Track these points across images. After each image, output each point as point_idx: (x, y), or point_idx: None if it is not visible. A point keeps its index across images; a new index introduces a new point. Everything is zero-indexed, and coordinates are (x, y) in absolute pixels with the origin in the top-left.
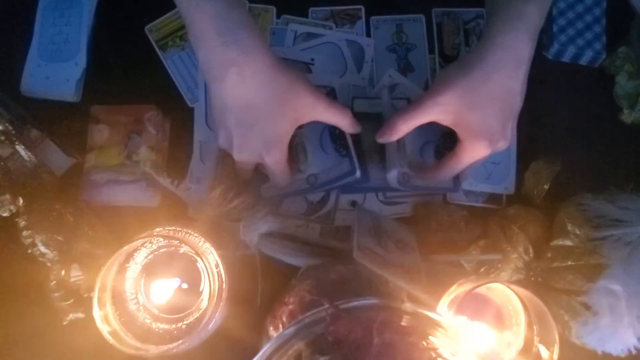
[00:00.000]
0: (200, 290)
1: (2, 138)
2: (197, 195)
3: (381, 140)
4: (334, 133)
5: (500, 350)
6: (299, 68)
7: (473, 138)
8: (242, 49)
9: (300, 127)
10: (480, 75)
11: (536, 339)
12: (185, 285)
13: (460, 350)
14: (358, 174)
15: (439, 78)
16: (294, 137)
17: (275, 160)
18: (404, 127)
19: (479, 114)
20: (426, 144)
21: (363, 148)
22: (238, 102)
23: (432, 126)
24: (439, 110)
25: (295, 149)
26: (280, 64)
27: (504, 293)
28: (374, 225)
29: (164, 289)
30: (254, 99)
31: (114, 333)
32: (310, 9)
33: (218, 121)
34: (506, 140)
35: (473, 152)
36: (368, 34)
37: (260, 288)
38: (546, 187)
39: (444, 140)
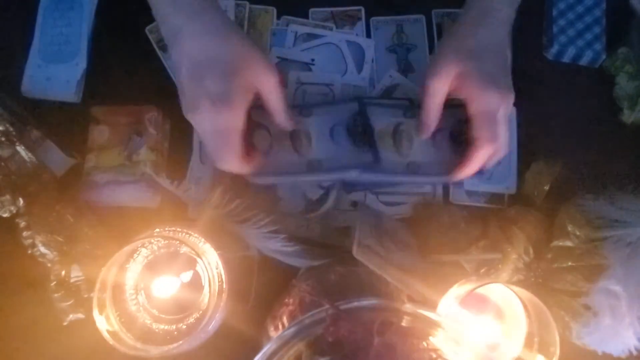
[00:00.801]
0: (202, 286)
1: (3, 139)
2: (197, 196)
3: (425, 135)
4: (356, 130)
5: (501, 351)
6: (259, 44)
7: (481, 89)
8: (192, 10)
9: (307, 115)
10: (467, 32)
11: (536, 340)
12: (187, 277)
13: (463, 345)
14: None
15: (432, 58)
16: (299, 125)
17: (227, 126)
18: (433, 116)
19: (476, 63)
20: (439, 132)
21: (375, 137)
22: (190, 59)
23: (443, 114)
24: (444, 80)
25: (298, 135)
26: (234, 29)
27: (505, 294)
28: (375, 224)
29: (164, 290)
30: (204, 55)
31: (114, 334)
32: (311, 10)
33: (178, 85)
34: (512, 92)
35: (485, 105)
36: (368, 35)
37: (254, 288)
38: (546, 187)
39: (459, 127)
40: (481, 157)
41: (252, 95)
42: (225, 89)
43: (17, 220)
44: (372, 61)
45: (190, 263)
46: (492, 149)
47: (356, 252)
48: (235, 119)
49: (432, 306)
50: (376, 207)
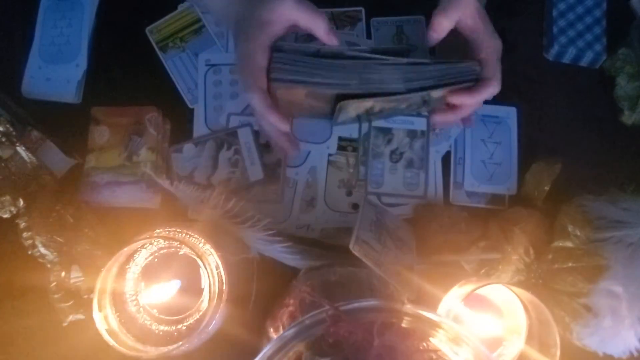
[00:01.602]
0: (202, 287)
1: (3, 139)
2: (196, 197)
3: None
4: None
5: (501, 352)
6: None
7: (492, 36)
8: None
9: None
10: None
11: (537, 341)
12: (185, 282)
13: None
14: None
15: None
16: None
17: (248, 50)
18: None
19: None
20: None
21: None
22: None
23: None
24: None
25: None
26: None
27: (505, 294)
28: (376, 219)
29: (164, 291)
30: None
31: (114, 334)
32: None
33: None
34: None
35: (496, 50)
36: (368, 36)
37: (254, 289)
38: (547, 188)
39: None
40: (490, 92)
41: (272, 26)
42: (255, 21)
43: (17, 221)
44: None
45: (191, 264)
46: (499, 87)
47: (353, 246)
48: (255, 45)
49: (431, 305)
50: None
